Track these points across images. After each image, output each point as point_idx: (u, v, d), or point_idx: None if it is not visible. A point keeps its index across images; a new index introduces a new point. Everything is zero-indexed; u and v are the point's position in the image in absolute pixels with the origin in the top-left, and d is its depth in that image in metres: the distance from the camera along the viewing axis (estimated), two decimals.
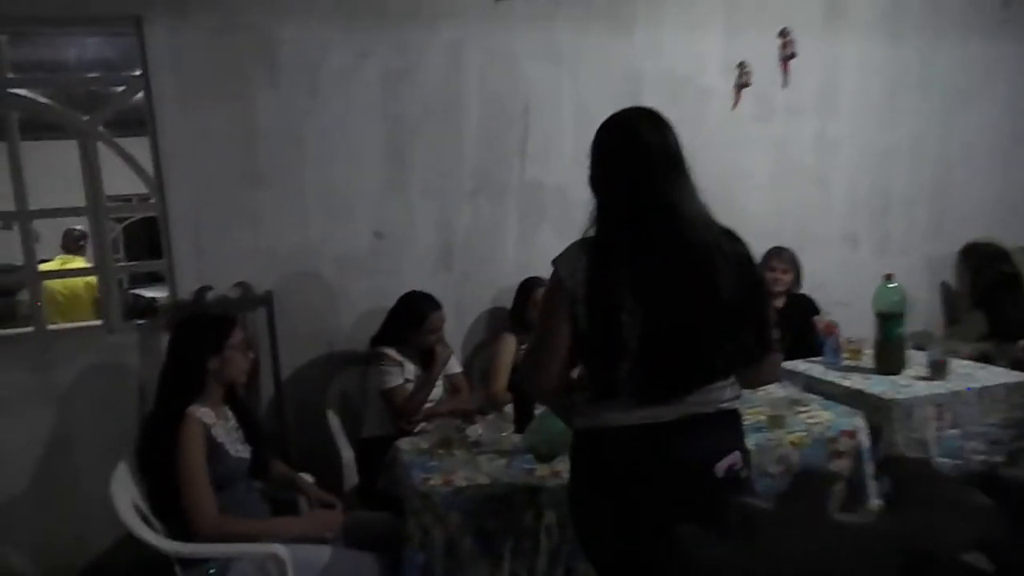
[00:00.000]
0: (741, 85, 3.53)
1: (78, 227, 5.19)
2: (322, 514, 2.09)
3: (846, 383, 2.67)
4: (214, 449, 1.98)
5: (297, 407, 3.01)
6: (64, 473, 2.82)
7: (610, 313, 1.41)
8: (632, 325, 1.40)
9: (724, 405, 1.48)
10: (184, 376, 2.00)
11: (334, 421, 2.87)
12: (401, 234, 3.15)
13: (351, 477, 2.60)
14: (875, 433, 2.33)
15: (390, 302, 2.87)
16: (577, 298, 1.44)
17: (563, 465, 1.95)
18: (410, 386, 2.75)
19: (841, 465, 2.16)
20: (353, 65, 3.00)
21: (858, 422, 2.27)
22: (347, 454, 2.65)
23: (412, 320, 2.79)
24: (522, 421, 2.33)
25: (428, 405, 2.81)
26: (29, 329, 2.86)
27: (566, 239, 1.54)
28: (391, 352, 2.78)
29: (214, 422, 2.02)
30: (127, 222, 8.64)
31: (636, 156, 1.46)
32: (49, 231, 5.14)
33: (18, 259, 2.92)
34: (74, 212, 2.82)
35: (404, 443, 2.29)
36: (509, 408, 2.52)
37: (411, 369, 2.80)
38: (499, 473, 1.99)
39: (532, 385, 1.59)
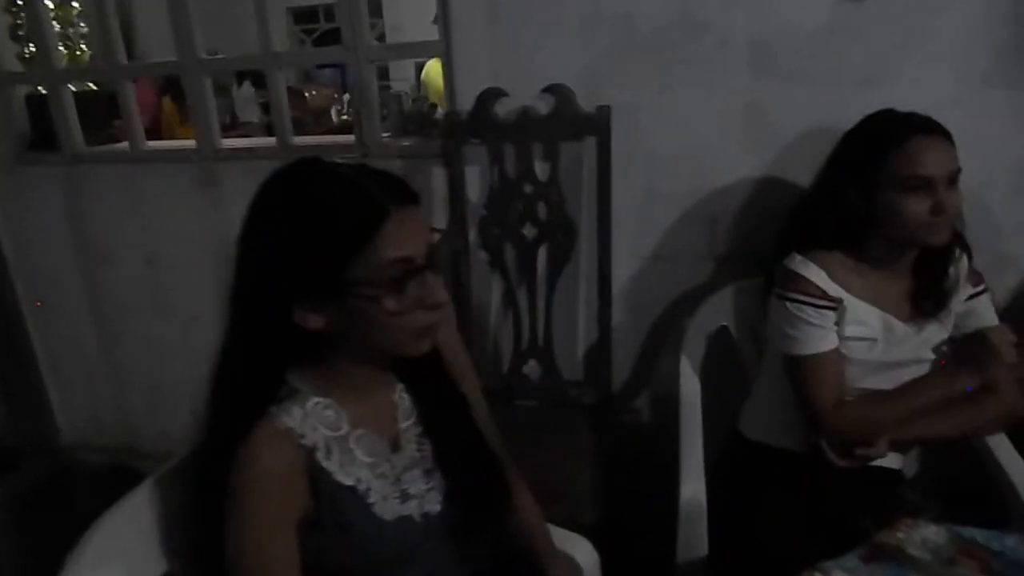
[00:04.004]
0: None
1: None
2: None
3: None
4: (332, 505, 0.78)
5: (624, 333, 1.67)
6: None
7: None
8: None
9: None
10: (255, 324, 0.78)
11: (689, 385, 1.42)
12: None
13: (692, 542, 1.16)
14: None
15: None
16: None
17: None
18: (860, 354, 1.17)
19: None
20: None
21: None
22: (691, 489, 1.16)
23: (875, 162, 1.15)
24: None
25: None
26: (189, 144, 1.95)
27: None
28: (817, 274, 1.18)
29: (334, 433, 0.79)
30: None
31: None
32: None
33: None
34: None
35: None
36: None
37: (873, 316, 1.19)
38: None
39: None
